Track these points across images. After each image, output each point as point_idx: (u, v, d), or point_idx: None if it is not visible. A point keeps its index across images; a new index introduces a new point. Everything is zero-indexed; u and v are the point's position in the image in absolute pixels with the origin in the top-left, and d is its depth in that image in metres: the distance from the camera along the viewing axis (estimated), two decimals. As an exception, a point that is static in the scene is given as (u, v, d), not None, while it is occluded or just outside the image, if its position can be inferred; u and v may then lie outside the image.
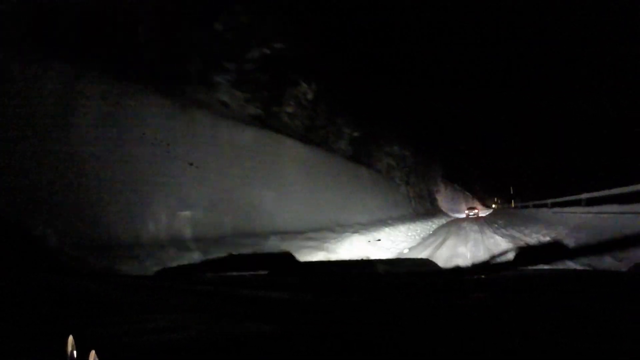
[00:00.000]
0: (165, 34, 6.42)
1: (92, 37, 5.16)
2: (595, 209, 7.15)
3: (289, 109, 10.23)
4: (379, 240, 10.13)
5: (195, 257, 4.84)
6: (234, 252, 1.58)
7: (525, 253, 1.01)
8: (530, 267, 1.10)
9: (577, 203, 9.16)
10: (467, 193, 54.89)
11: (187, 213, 5.93)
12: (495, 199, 46.99)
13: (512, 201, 32.35)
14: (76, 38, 4.94)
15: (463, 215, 29.62)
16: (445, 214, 29.33)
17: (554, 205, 11.50)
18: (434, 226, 15.50)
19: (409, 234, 11.34)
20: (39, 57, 4.53)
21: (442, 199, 36.24)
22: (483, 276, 1.10)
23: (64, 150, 4.53)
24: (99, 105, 5.16)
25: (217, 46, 7.60)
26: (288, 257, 1.31)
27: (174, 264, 4.36)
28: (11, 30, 4.30)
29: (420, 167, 26.71)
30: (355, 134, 14.23)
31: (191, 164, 6.60)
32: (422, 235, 11.22)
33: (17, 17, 4.42)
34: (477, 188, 57.84)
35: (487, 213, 33.57)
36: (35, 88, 4.43)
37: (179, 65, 7.03)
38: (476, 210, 31.43)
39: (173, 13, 6.52)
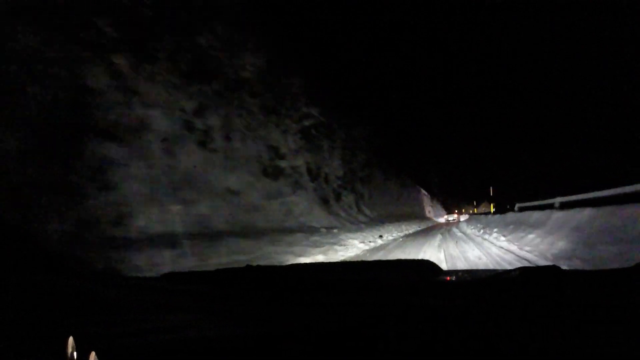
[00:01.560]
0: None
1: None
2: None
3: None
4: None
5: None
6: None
7: (527, 273, 1.03)
8: (529, 267, 1.10)
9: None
10: (424, 191, 37.26)
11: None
12: (475, 203, 40.08)
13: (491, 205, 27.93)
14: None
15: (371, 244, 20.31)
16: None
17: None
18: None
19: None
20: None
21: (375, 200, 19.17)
22: (483, 278, 1.10)
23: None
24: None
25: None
26: (290, 265, 1.31)
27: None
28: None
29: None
30: None
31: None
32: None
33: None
34: (436, 190, 46.88)
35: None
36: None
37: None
38: (455, 216, 29.47)
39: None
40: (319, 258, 6.09)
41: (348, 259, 6.33)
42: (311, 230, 8.52)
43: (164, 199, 5.73)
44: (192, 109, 7.11)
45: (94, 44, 5.33)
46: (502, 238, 7.79)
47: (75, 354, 0.75)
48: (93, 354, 0.67)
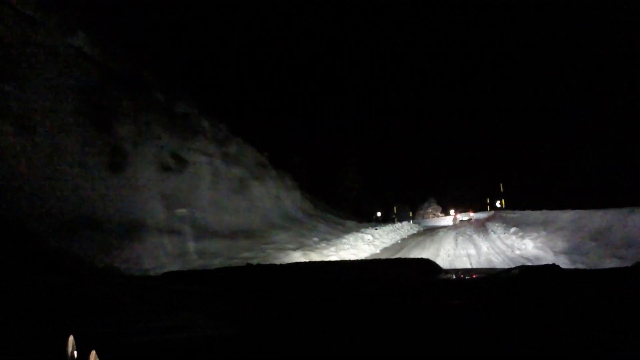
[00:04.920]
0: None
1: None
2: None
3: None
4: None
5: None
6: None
7: (527, 272, 1.03)
8: (529, 266, 1.10)
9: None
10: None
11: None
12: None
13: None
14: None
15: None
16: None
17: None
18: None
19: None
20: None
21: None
22: (483, 277, 1.10)
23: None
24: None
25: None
26: (290, 265, 1.31)
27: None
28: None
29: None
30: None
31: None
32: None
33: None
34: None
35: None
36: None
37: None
38: (472, 214, 21.50)
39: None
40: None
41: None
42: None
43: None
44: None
45: None
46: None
47: (75, 353, 0.75)
48: (93, 353, 0.67)
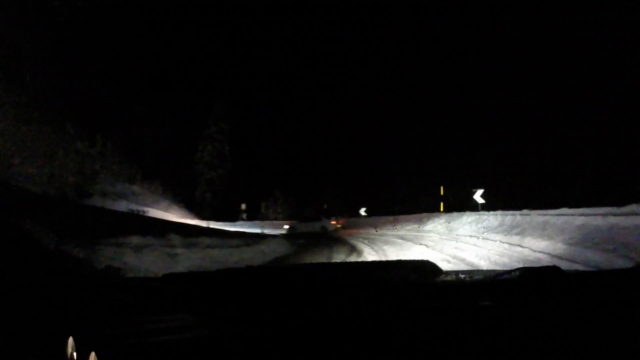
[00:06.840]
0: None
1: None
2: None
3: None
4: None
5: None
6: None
7: (527, 274, 1.03)
8: (529, 268, 1.10)
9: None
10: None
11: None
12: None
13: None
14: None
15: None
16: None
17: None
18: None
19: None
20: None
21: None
22: (483, 279, 1.10)
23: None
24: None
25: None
26: (291, 266, 1.30)
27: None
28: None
29: None
30: None
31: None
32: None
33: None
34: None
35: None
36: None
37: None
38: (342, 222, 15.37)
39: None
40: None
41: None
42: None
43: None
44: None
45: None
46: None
47: (75, 354, 0.75)
48: (93, 354, 0.67)
